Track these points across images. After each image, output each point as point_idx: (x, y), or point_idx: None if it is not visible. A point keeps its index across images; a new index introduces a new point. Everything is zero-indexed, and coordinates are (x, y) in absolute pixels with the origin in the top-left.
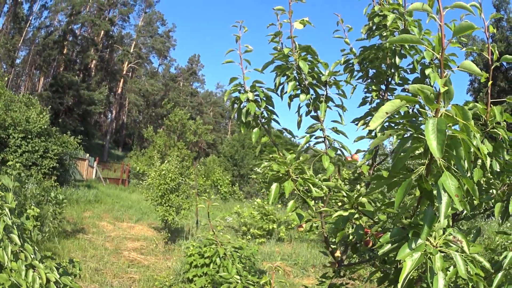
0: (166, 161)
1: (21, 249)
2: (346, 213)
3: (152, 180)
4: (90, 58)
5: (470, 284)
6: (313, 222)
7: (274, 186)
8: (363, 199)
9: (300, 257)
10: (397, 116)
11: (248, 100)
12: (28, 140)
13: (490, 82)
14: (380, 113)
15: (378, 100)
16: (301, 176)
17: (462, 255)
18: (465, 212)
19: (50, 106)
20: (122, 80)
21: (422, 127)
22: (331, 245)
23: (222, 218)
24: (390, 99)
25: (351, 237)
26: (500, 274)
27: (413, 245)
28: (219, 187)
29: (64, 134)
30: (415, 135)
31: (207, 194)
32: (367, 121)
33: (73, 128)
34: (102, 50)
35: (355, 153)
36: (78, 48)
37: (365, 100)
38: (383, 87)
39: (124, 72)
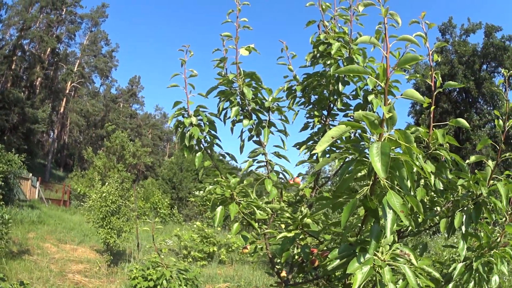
0: (106, 183)
1: None
2: (291, 234)
3: (93, 202)
4: (36, 75)
5: None
6: (257, 244)
7: (219, 209)
8: (308, 220)
9: (242, 279)
10: (339, 142)
11: (191, 124)
12: None
13: (432, 107)
14: (326, 138)
15: (320, 126)
16: (245, 199)
17: (411, 267)
18: (410, 228)
19: None
20: (64, 99)
21: (366, 150)
22: (277, 265)
23: (162, 240)
24: (333, 124)
25: (296, 257)
26: (451, 285)
27: (362, 260)
28: (158, 209)
29: (9, 152)
30: (358, 158)
31: (147, 216)
32: (308, 146)
33: (17, 146)
34: (47, 68)
35: (297, 176)
36: (25, 64)
37: (307, 125)
38: (325, 112)
39: (67, 91)
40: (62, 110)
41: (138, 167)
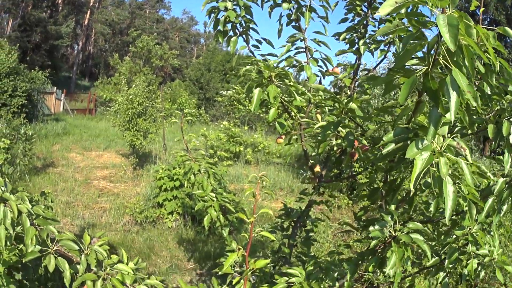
0: (133, 85)
1: None
2: (334, 119)
3: (119, 105)
4: None
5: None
6: (292, 134)
7: (256, 91)
8: (353, 105)
9: (267, 180)
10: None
11: (226, 9)
12: None
13: (482, 9)
14: (389, 1)
15: (360, 18)
16: (284, 82)
17: (468, 163)
18: (457, 129)
19: (18, 45)
20: (89, 12)
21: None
22: (311, 160)
23: (189, 140)
24: (373, 18)
25: (335, 148)
26: (490, 200)
27: (420, 145)
28: (185, 110)
29: (32, 70)
30: (418, 34)
31: (174, 117)
32: (347, 37)
33: (41, 63)
34: None
35: (336, 66)
36: None
37: (346, 18)
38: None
39: (91, 4)
40: (86, 22)
41: (165, 70)
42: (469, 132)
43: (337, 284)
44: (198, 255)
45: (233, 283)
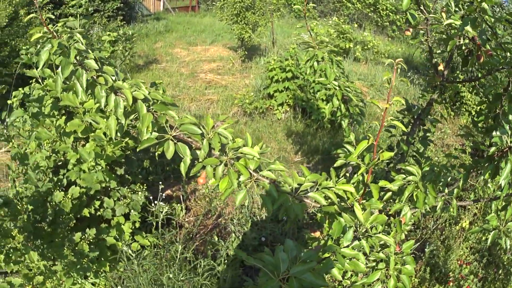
0: None
1: (99, 73)
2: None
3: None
4: None
5: None
6: (419, 29)
7: None
8: (485, 5)
9: (376, 78)
10: None
11: None
12: None
13: None
14: None
15: None
16: None
17: None
18: None
19: None
20: None
21: None
22: (435, 58)
23: (298, 35)
24: None
25: (463, 47)
26: None
27: None
28: (292, 5)
29: None
30: None
31: (281, 12)
32: None
33: None
34: None
35: None
36: None
37: None
38: None
39: None
40: None
41: None
42: None
43: (446, 190)
44: (306, 148)
45: (358, 173)
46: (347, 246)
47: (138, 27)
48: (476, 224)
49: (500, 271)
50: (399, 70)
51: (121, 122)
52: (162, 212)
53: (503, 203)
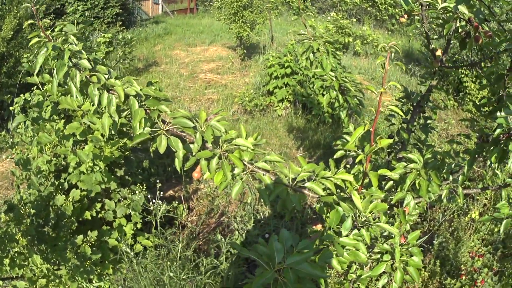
0: None
1: (93, 73)
2: None
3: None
4: None
5: None
6: (414, 15)
7: None
8: None
9: (376, 72)
10: None
11: None
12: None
13: None
14: None
15: None
16: None
17: None
18: None
19: None
20: None
21: None
22: (431, 44)
23: (296, 32)
24: None
25: (460, 30)
26: None
27: None
28: (290, 3)
29: None
30: None
31: (279, 10)
32: None
33: None
34: None
35: None
36: None
37: None
38: None
39: None
40: None
41: None
42: None
43: (450, 178)
44: (308, 144)
45: (356, 160)
46: (347, 236)
47: (137, 31)
48: (486, 215)
49: None
50: (392, 54)
51: (114, 119)
52: (160, 210)
53: None
